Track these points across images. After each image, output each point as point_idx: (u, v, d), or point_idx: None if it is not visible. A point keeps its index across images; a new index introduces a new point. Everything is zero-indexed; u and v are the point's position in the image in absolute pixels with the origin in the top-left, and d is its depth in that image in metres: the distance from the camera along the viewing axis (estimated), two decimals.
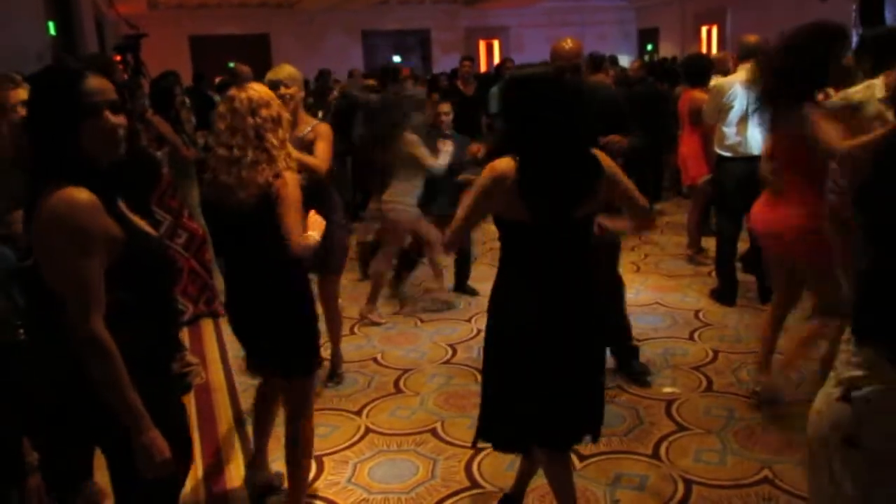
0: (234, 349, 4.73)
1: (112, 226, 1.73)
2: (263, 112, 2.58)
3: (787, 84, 3.15)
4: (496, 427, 2.57)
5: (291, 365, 2.79)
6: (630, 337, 4.12)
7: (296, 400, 2.84)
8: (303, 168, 3.08)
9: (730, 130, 5.01)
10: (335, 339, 4.22)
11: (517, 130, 2.37)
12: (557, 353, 2.40)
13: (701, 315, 4.98)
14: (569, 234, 2.40)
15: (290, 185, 2.56)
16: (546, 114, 2.31)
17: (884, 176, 1.80)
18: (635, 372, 4.01)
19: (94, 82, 1.74)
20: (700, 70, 6.15)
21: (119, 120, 1.77)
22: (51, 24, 6.49)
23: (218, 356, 4.66)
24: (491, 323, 2.51)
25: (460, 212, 2.46)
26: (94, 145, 1.74)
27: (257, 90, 2.63)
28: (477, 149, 4.78)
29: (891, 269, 1.73)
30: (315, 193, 3.19)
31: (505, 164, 2.34)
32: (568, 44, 3.65)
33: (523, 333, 2.40)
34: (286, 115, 2.70)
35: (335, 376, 4.19)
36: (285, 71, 3.65)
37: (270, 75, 3.60)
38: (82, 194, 1.68)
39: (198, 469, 3.31)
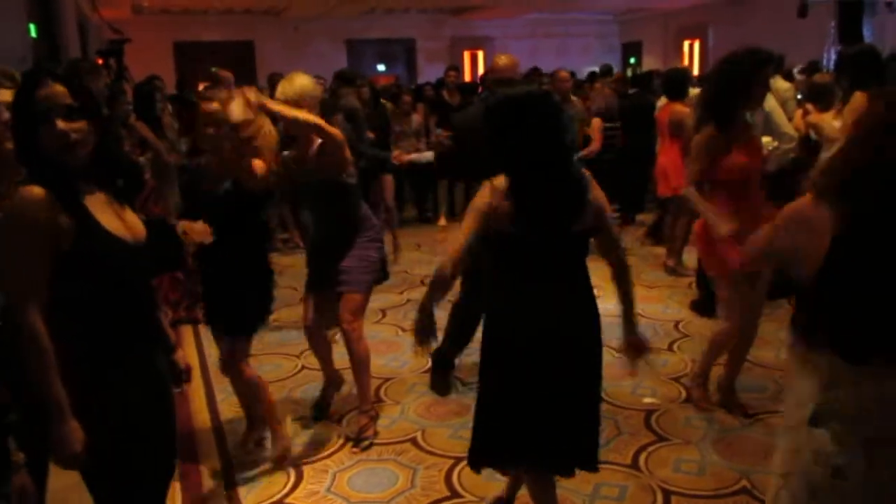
0: (214, 355, 4.71)
1: (63, 221, 1.76)
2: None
3: (713, 104, 3.39)
4: (489, 446, 2.55)
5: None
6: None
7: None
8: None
9: None
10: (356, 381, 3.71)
11: (507, 151, 2.37)
12: (552, 371, 2.40)
13: (681, 326, 5.01)
14: (563, 249, 2.42)
15: None
16: (536, 133, 2.32)
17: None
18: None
19: (47, 90, 1.77)
20: (679, 83, 6.23)
21: (72, 126, 1.78)
22: (32, 27, 6.43)
23: (197, 363, 4.63)
24: (485, 340, 2.51)
25: (460, 234, 2.40)
26: (50, 149, 1.78)
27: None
28: (444, 134, 4.79)
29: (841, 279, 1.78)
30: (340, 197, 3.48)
31: (495, 184, 2.35)
32: (504, 59, 3.80)
33: (518, 350, 2.40)
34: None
35: (362, 440, 3.57)
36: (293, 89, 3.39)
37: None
38: (33, 191, 1.74)
39: (175, 478, 3.27)
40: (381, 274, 3.78)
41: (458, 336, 4.02)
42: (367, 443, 3.53)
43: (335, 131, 3.36)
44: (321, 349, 3.81)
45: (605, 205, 2.48)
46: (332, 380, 3.92)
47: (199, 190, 3.15)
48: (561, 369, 2.41)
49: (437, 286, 2.43)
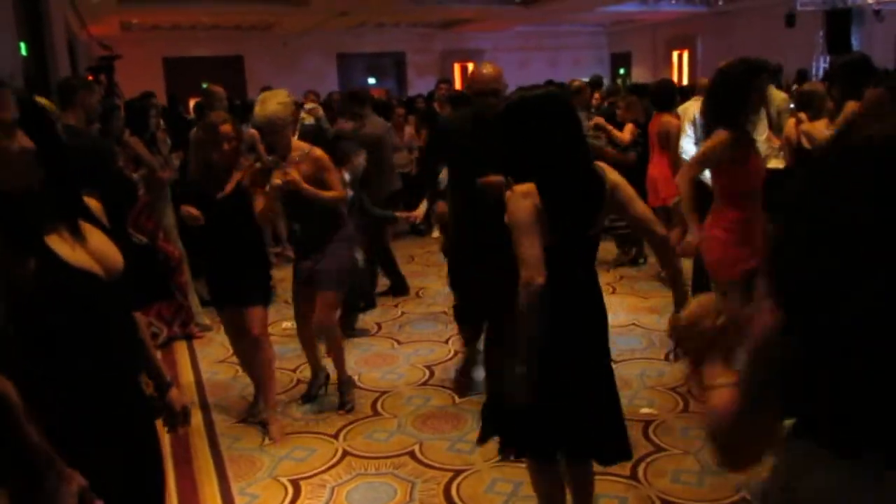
0: (209, 371, 4.68)
1: (20, 265, 1.55)
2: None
3: (721, 112, 3.44)
4: (524, 436, 2.58)
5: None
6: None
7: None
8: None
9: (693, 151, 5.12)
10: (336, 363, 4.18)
11: (531, 155, 2.37)
12: (577, 364, 2.44)
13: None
14: (584, 251, 2.47)
15: None
16: (557, 134, 2.34)
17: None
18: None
19: None
20: (667, 95, 6.27)
21: (5, 144, 1.53)
22: (22, 45, 6.43)
23: (192, 379, 4.60)
24: None
25: (527, 251, 2.32)
26: None
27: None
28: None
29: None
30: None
31: (527, 189, 2.34)
32: (487, 69, 3.67)
33: (544, 348, 2.41)
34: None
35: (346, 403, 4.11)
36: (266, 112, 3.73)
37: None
38: None
39: (171, 491, 3.25)
40: (356, 272, 4.36)
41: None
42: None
43: (342, 195, 3.96)
44: (307, 339, 4.16)
45: (623, 184, 2.47)
46: (317, 371, 4.25)
47: (209, 196, 3.68)
48: (589, 364, 2.47)
49: (533, 299, 2.30)
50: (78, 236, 1.67)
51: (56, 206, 1.65)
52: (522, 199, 2.34)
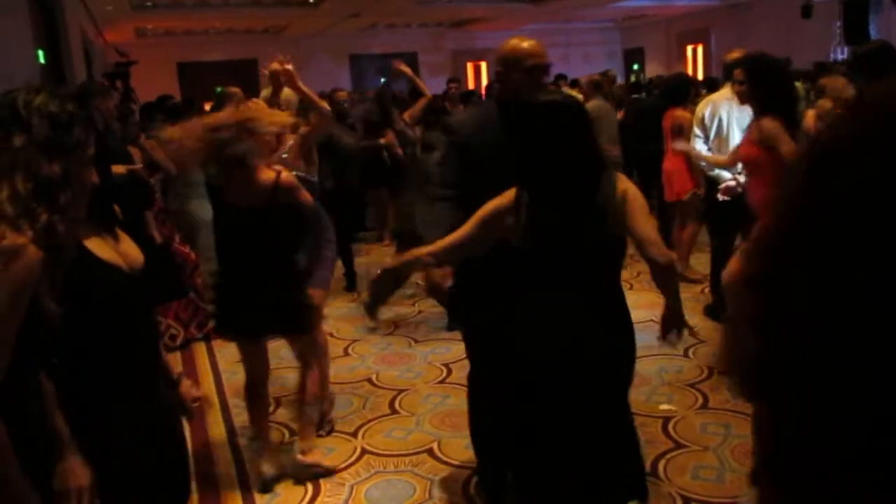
0: (228, 371, 4.71)
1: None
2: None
3: (767, 99, 3.54)
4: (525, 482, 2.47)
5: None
6: None
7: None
8: None
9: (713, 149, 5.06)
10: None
11: (543, 160, 2.29)
12: (573, 390, 2.30)
13: (695, 331, 4.99)
14: (579, 261, 2.35)
15: None
16: (578, 141, 2.29)
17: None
18: None
19: None
20: (680, 88, 6.24)
21: (87, 177, 1.66)
22: (40, 53, 6.50)
23: (212, 379, 4.63)
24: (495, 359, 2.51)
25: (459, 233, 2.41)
26: None
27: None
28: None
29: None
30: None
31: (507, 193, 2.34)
32: (527, 42, 2.87)
33: (532, 371, 2.35)
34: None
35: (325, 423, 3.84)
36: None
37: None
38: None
39: (193, 492, 3.27)
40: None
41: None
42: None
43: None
44: None
45: (632, 197, 2.31)
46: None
47: (235, 206, 3.11)
48: (583, 388, 2.29)
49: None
50: (110, 236, 1.82)
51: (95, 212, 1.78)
52: (497, 199, 2.37)
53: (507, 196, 2.36)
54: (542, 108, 2.32)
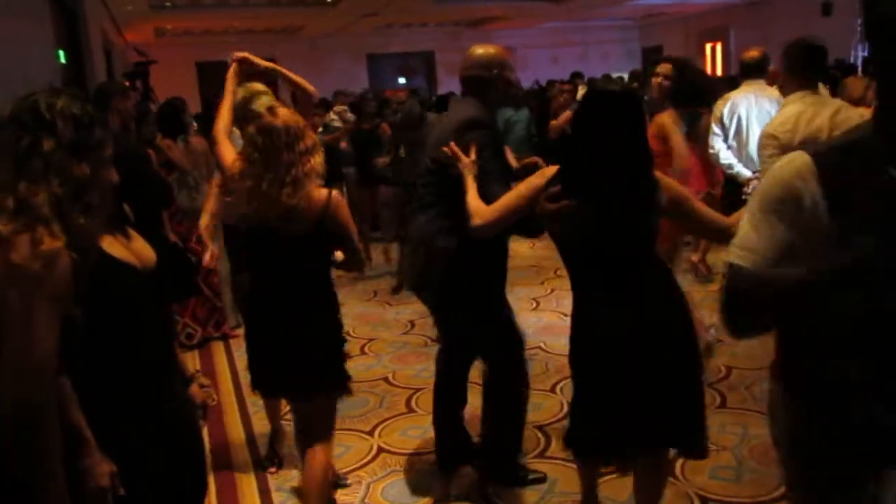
0: (246, 370, 4.73)
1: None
2: (300, 146, 2.55)
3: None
4: (585, 431, 2.49)
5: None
6: None
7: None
8: None
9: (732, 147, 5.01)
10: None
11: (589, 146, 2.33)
12: (637, 357, 2.36)
13: (713, 331, 4.95)
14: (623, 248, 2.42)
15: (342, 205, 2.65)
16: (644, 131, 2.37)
17: None
18: None
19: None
20: (697, 88, 6.19)
21: (108, 176, 1.67)
22: (61, 53, 6.56)
23: (229, 378, 4.66)
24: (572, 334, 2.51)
25: (501, 199, 2.54)
26: None
27: (293, 119, 2.60)
28: None
29: None
30: None
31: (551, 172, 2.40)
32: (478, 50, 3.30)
33: (602, 349, 2.40)
34: (317, 141, 2.69)
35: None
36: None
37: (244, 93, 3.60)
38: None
39: (210, 487, 3.30)
40: None
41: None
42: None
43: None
44: None
45: (677, 193, 2.42)
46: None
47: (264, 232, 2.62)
48: (649, 358, 2.37)
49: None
50: (122, 235, 1.82)
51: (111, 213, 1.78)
52: (540, 176, 2.43)
53: (546, 175, 2.39)
54: (624, 97, 2.34)
